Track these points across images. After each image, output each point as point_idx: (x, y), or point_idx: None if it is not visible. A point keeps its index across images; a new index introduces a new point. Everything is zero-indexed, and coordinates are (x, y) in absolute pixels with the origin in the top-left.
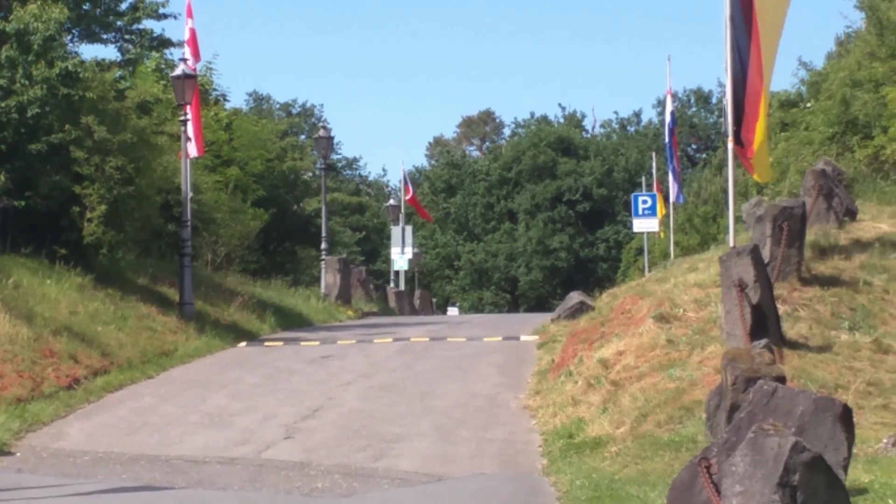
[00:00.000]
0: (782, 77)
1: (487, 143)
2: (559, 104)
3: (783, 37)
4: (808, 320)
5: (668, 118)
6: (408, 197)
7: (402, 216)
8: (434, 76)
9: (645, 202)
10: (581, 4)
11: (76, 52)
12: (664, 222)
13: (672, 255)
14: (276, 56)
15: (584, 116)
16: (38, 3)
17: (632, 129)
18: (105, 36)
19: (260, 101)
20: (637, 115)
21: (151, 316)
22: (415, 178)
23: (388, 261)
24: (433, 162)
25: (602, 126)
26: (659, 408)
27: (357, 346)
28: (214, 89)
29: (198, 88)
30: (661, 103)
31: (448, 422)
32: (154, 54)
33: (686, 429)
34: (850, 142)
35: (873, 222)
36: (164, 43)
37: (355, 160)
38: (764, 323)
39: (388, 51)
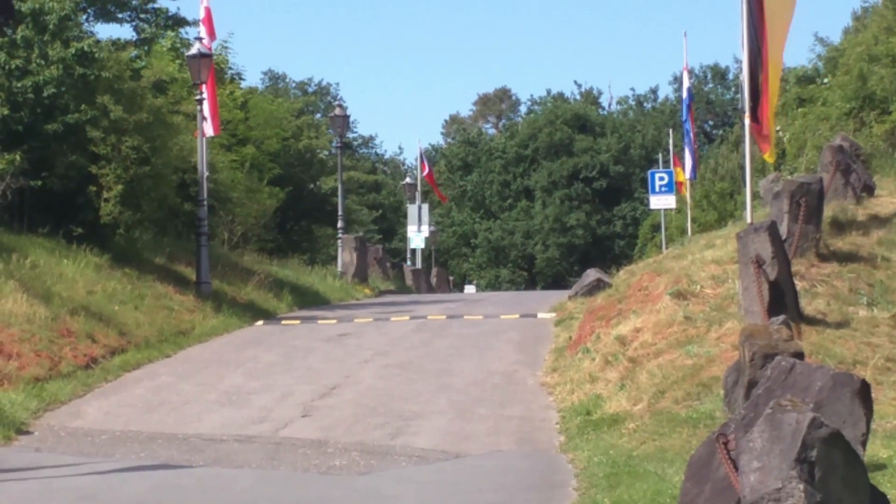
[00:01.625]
0: (799, 53)
1: (504, 121)
2: (575, 81)
3: (798, 13)
4: (826, 296)
5: (684, 94)
6: (425, 173)
7: (418, 194)
8: (450, 54)
9: (662, 179)
10: None
11: (91, 32)
12: (681, 199)
13: (689, 232)
14: (291, 35)
15: (600, 93)
16: None
17: (648, 105)
18: (120, 15)
19: (276, 80)
20: (654, 91)
21: (168, 295)
22: (431, 156)
23: (404, 239)
24: (449, 140)
25: (618, 103)
26: (676, 384)
27: (374, 325)
28: (230, 68)
29: (213, 67)
30: (677, 80)
31: (465, 399)
32: (169, 33)
33: (704, 405)
34: (868, 117)
35: (891, 198)
36: (179, 22)
37: (371, 138)
38: (782, 299)
39: (403, 29)
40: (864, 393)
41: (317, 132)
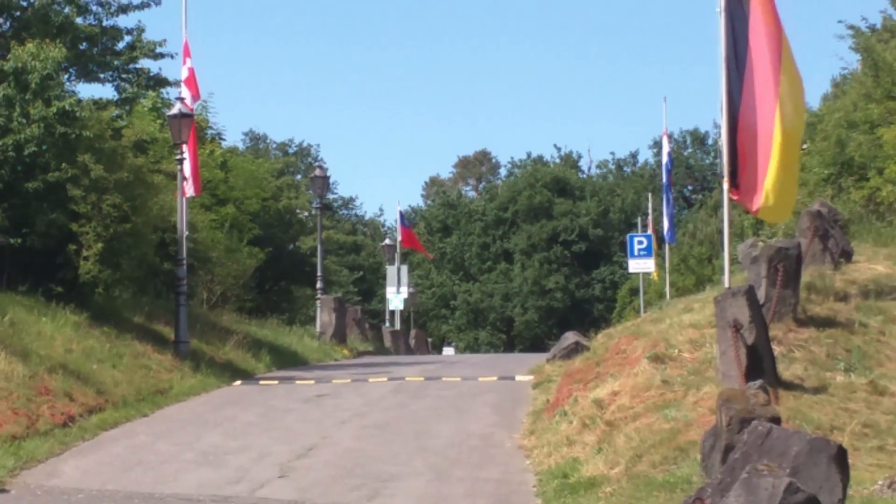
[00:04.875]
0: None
1: (483, 183)
2: (555, 145)
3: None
4: (804, 361)
5: (665, 159)
6: (401, 238)
7: (397, 255)
8: (430, 116)
9: (640, 242)
10: (577, 45)
11: (73, 91)
12: (660, 263)
13: (667, 296)
14: (272, 96)
15: (580, 157)
16: (36, 41)
17: (628, 169)
18: (102, 75)
19: (257, 141)
20: (633, 155)
21: (147, 354)
22: (411, 217)
23: (383, 300)
24: (429, 202)
25: (598, 166)
26: (654, 448)
27: (352, 386)
28: (210, 128)
29: (194, 127)
30: (657, 144)
31: (442, 461)
32: (150, 93)
33: (681, 469)
34: (846, 183)
35: (869, 263)
36: (160, 82)
37: (352, 200)
38: (759, 364)
39: (384, 91)
40: (840, 458)
41: (297, 192)
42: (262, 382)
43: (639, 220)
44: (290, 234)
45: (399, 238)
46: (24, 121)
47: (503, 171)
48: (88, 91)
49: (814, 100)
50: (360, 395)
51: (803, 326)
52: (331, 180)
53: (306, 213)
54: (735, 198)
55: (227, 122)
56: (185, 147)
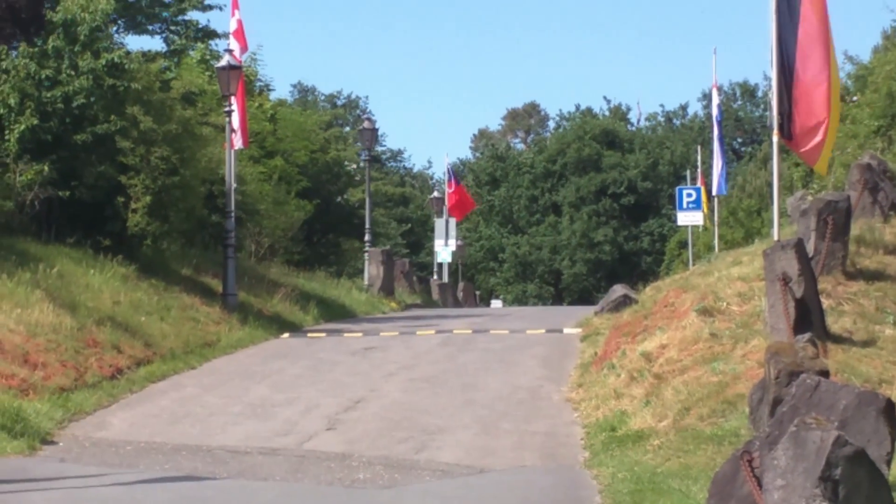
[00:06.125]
0: None
1: (532, 136)
2: (604, 97)
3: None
4: (853, 315)
5: (715, 111)
6: (451, 190)
7: (445, 208)
8: (479, 68)
9: (689, 195)
10: None
11: (122, 43)
12: (709, 216)
13: (716, 249)
14: (321, 47)
15: (629, 109)
16: None
17: (677, 122)
18: (151, 27)
19: (305, 93)
20: (683, 108)
21: (195, 306)
22: (459, 170)
23: (431, 253)
24: (478, 154)
25: (647, 119)
26: (702, 401)
27: (400, 338)
28: (259, 80)
29: (243, 79)
30: (706, 97)
31: (490, 414)
32: (199, 45)
33: (729, 422)
34: None
35: None
36: (209, 34)
37: (400, 152)
38: (808, 317)
39: (433, 42)
40: (889, 412)
41: (345, 145)
42: (309, 335)
43: (688, 172)
44: (338, 187)
45: (448, 191)
46: (72, 73)
47: (552, 124)
48: (137, 43)
49: (864, 52)
50: (407, 347)
51: (852, 280)
52: (379, 132)
53: (354, 166)
54: (798, 150)
55: (275, 75)
56: (233, 99)
